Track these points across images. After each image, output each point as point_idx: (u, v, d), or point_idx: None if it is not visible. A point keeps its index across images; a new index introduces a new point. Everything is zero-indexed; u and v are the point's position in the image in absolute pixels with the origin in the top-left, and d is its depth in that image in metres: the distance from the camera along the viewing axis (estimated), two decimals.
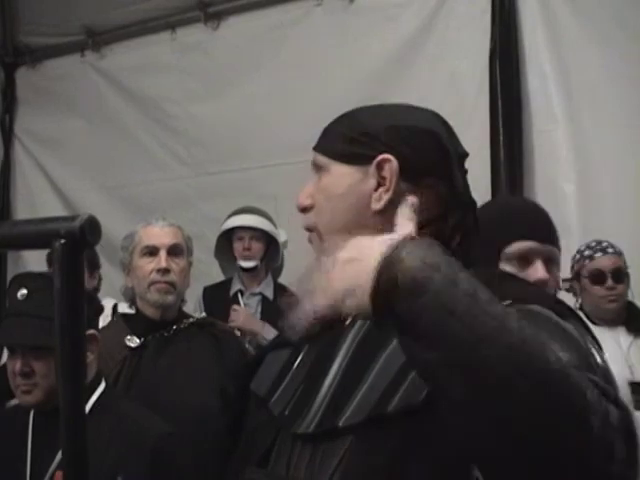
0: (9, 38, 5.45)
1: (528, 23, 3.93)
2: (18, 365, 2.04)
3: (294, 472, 1.22)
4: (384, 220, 1.25)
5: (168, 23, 4.95)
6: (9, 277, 5.10)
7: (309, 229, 1.32)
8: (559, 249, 1.94)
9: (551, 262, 1.92)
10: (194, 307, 3.86)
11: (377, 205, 1.26)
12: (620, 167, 3.68)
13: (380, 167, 1.26)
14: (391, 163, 1.25)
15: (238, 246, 3.89)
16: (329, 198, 1.30)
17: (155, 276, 2.74)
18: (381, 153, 1.26)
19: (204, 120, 4.80)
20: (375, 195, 1.26)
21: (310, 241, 1.33)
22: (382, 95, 4.06)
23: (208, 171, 4.77)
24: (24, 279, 2.12)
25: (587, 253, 3.34)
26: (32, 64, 5.44)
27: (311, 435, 1.21)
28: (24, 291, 2.06)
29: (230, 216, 3.93)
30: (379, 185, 1.26)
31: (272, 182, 4.24)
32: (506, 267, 1.91)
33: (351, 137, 1.30)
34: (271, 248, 3.91)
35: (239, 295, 3.91)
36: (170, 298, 2.76)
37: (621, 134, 3.68)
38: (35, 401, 2.05)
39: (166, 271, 2.74)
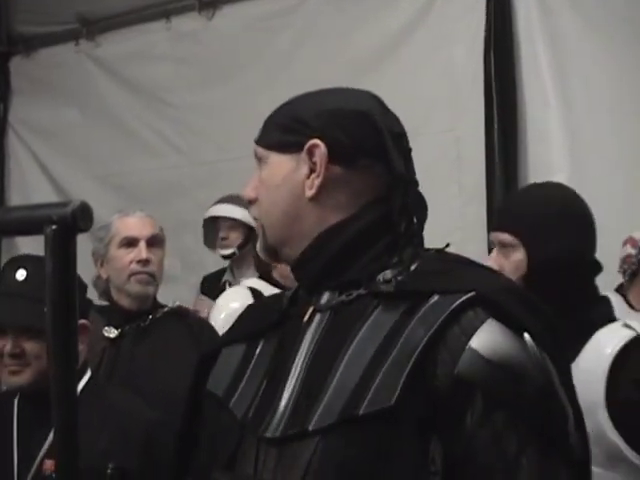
0: (3, 27, 5.43)
1: (523, 11, 3.93)
2: (8, 346, 2.00)
3: (262, 475, 1.20)
4: (319, 207, 1.25)
5: (163, 12, 4.93)
6: (3, 264, 5.12)
7: (255, 220, 1.35)
8: (519, 233, 1.95)
9: (505, 248, 1.96)
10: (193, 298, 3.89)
11: (309, 192, 1.25)
12: (613, 154, 3.69)
13: (311, 153, 1.25)
14: (319, 148, 1.24)
15: (217, 236, 3.94)
16: (268, 189, 1.29)
17: (135, 267, 2.73)
18: (312, 139, 1.25)
19: (199, 109, 4.79)
20: (308, 182, 1.25)
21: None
22: (378, 82, 4.06)
23: (203, 160, 4.77)
24: (24, 261, 2.08)
25: None
26: (26, 53, 5.41)
27: (278, 438, 1.19)
28: (23, 272, 2.02)
29: (211, 206, 3.97)
30: (311, 172, 1.25)
31: None
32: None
33: (284, 125, 1.29)
34: (254, 236, 3.95)
35: (227, 285, 3.93)
36: (151, 289, 2.76)
37: (615, 121, 3.69)
38: (23, 382, 2.01)
39: (147, 262, 2.73)
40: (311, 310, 1.27)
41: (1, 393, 2.20)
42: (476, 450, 1.11)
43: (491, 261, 1.96)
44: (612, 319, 1.94)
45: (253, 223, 3.91)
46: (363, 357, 1.16)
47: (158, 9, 4.93)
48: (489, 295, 1.16)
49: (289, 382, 1.22)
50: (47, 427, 1.90)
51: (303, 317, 1.27)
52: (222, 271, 4.08)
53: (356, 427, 1.12)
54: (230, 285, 3.94)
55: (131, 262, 2.73)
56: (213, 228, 4.01)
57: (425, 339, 1.12)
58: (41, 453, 1.95)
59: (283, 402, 1.21)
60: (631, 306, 3.36)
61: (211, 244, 4.07)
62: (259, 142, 1.32)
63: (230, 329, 1.45)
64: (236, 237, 3.91)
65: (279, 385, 1.23)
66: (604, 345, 1.82)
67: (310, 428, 1.15)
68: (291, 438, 1.17)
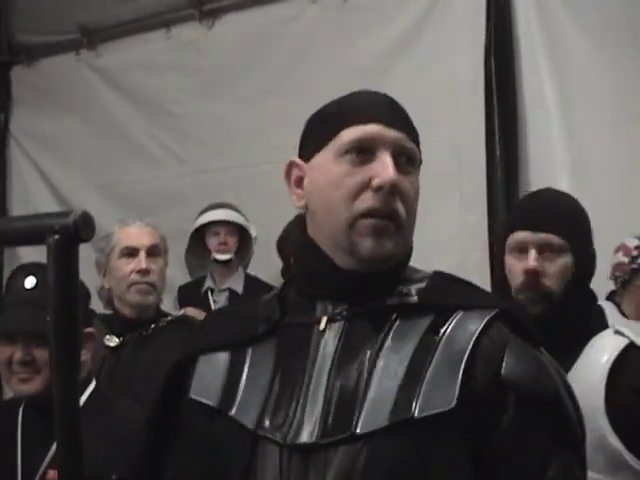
0: (4, 36, 5.43)
1: (523, 18, 3.93)
2: (19, 353, 1.98)
3: None
4: None
5: (163, 21, 4.94)
6: (5, 273, 5.11)
7: (391, 212, 1.24)
8: (569, 236, 1.88)
9: (550, 251, 1.88)
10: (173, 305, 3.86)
11: None
12: (615, 160, 3.69)
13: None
14: None
15: (213, 241, 3.91)
16: (415, 200, 1.29)
17: (135, 277, 2.75)
18: None
19: (201, 118, 4.79)
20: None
21: (381, 231, 1.24)
22: (379, 90, 4.06)
23: (204, 169, 4.77)
24: (33, 268, 2.06)
25: None
26: (27, 63, 5.42)
27: (309, 445, 1.18)
28: (33, 280, 2.01)
29: (201, 213, 3.95)
30: None
31: (269, 179, 4.24)
32: (509, 258, 1.93)
33: (416, 138, 1.31)
34: (242, 242, 3.93)
35: (209, 293, 3.90)
36: (150, 299, 2.77)
37: (615, 129, 3.69)
38: (34, 390, 1.99)
39: (146, 272, 2.75)
40: (326, 319, 1.26)
41: (5, 401, 2.19)
42: (509, 450, 1.18)
43: (531, 262, 1.86)
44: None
45: (248, 226, 3.93)
46: (399, 364, 1.19)
47: (158, 19, 4.93)
48: (511, 312, 1.27)
49: (313, 390, 1.22)
50: (51, 437, 1.89)
51: (315, 325, 1.27)
52: (199, 280, 4.03)
53: (408, 431, 1.15)
54: (213, 292, 3.92)
55: (131, 272, 2.75)
56: (195, 240, 3.97)
57: (469, 348, 1.19)
58: (44, 463, 1.93)
59: (315, 409, 1.20)
60: (624, 315, 3.34)
61: (194, 256, 4.02)
62: (414, 139, 1.30)
63: (203, 337, 1.40)
64: (234, 242, 3.90)
65: (299, 393, 1.23)
66: (600, 353, 1.83)
67: (358, 431, 1.16)
68: (326, 445, 1.18)
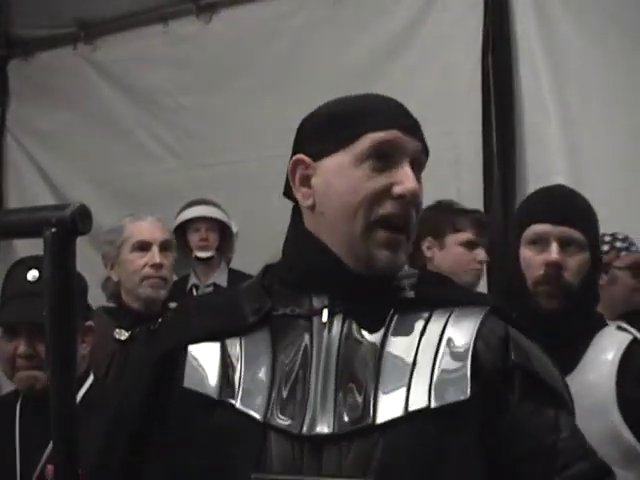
0: (1, 30, 5.42)
1: (520, 16, 3.93)
2: (22, 346, 1.97)
3: (306, 473, 1.19)
4: None
5: (160, 15, 4.93)
6: (0, 267, 5.10)
7: (407, 222, 1.28)
8: (589, 234, 1.90)
9: (569, 246, 1.88)
10: None
11: None
12: (611, 158, 3.69)
13: None
14: None
15: (194, 237, 3.94)
16: (421, 203, 1.32)
17: (148, 271, 2.75)
18: None
19: (196, 112, 4.79)
20: None
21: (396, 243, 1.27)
22: (376, 86, 4.05)
23: (200, 163, 4.77)
24: (34, 261, 2.04)
25: (620, 245, 3.26)
26: (24, 56, 5.40)
27: (326, 436, 1.19)
28: (35, 273, 2.00)
29: (182, 210, 3.95)
30: None
31: (265, 174, 4.23)
32: (526, 251, 1.92)
33: (427, 151, 1.35)
34: (224, 239, 3.95)
35: (194, 290, 3.92)
36: (162, 293, 2.79)
37: (612, 127, 3.69)
38: (39, 387, 1.97)
39: (159, 266, 2.76)
40: (327, 312, 1.27)
41: (2, 396, 2.18)
42: (522, 422, 1.24)
43: (553, 255, 1.85)
44: None
45: (230, 222, 3.94)
46: (405, 358, 1.23)
47: (156, 13, 4.93)
48: (502, 308, 1.33)
49: (322, 382, 1.23)
50: (49, 432, 1.88)
51: (315, 317, 1.27)
52: (183, 278, 4.02)
53: (424, 421, 1.19)
54: (197, 289, 3.92)
55: (144, 266, 2.75)
56: (180, 235, 3.97)
57: (472, 340, 1.24)
58: (43, 458, 1.92)
59: (326, 400, 1.21)
60: None
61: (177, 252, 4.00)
62: (425, 148, 1.35)
63: (190, 327, 1.36)
64: (215, 239, 3.93)
65: (307, 384, 1.23)
66: (607, 349, 1.85)
67: (378, 422, 1.18)
68: (342, 436, 1.19)
